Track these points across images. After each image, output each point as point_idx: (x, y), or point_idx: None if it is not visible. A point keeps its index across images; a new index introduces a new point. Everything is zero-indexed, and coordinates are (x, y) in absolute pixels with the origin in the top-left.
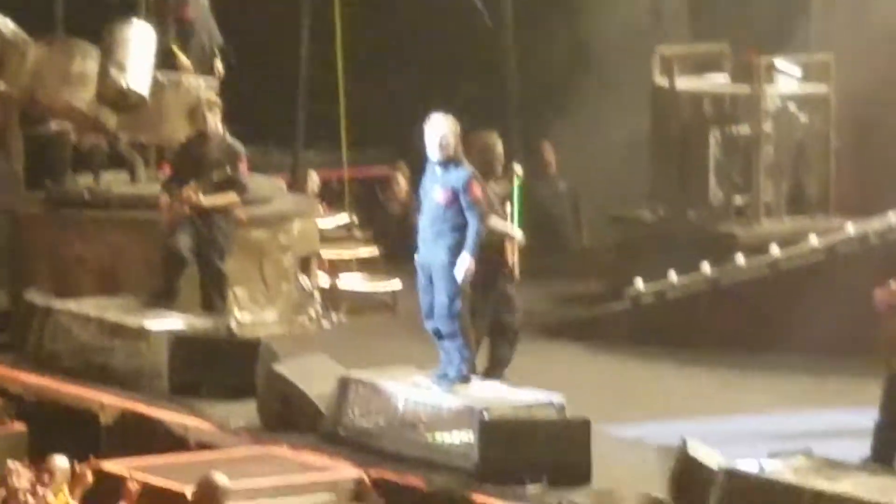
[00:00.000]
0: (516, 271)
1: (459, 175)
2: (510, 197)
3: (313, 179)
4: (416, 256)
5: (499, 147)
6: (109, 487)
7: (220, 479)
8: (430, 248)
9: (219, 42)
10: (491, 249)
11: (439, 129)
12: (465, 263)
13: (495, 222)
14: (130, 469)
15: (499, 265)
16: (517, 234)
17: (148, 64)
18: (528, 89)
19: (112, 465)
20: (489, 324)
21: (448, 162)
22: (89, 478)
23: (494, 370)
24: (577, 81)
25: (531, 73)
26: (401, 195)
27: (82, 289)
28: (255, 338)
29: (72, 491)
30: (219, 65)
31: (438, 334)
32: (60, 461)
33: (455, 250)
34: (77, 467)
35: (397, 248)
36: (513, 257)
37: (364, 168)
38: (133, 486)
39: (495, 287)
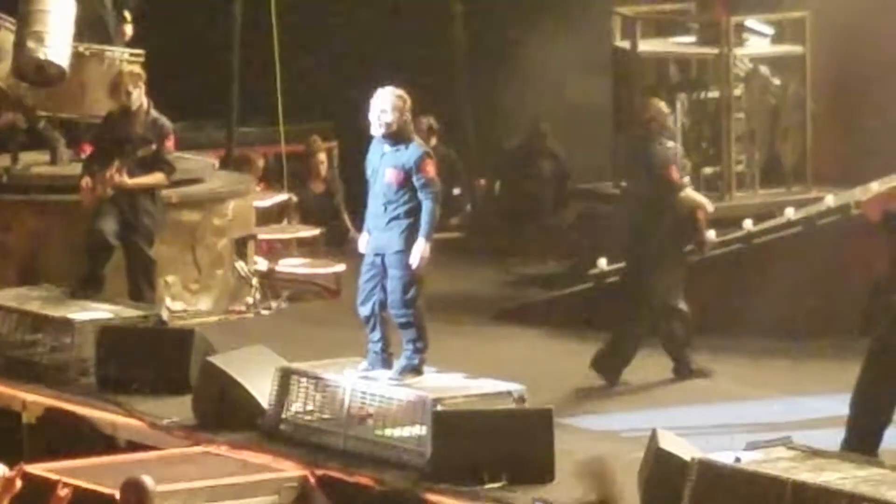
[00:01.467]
0: (706, 245)
1: (412, 153)
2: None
3: (257, 164)
4: (360, 240)
5: (667, 110)
6: (36, 492)
7: (147, 481)
8: (381, 234)
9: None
10: (685, 222)
11: (385, 104)
12: (421, 250)
13: (694, 193)
14: (59, 473)
15: (694, 239)
16: (709, 204)
17: (67, 35)
18: (477, 52)
19: (39, 469)
20: (661, 303)
21: (398, 139)
22: (17, 484)
23: (679, 351)
24: (531, 44)
25: (481, 37)
26: (322, 173)
27: (1, 278)
28: (189, 328)
29: None
30: (127, 28)
31: (369, 321)
32: None
33: (410, 236)
34: (3, 473)
35: (327, 230)
36: (704, 230)
37: (303, 144)
38: (63, 493)
39: (680, 265)
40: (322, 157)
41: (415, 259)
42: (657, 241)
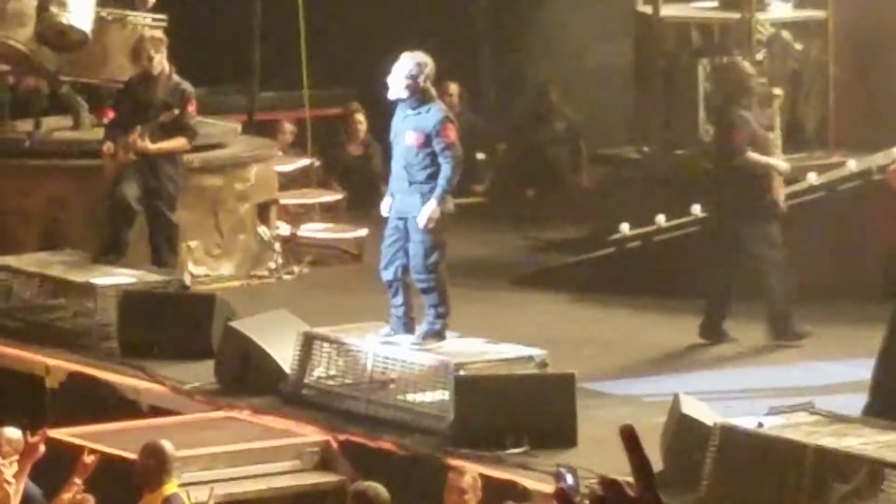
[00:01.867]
0: (782, 205)
1: (432, 117)
2: (772, 123)
3: (286, 130)
4: (383, 203)
5: (750, 71)
6: (60, 457)
7: (166, 446)
8: (404, 198)
9: None
10: (756, 183)
11: (407, 67)
12: (430, 211)
13: (756, 157)
14: (82, 438)
15: (764, 200)
16: (782, 165)
17: (90, 0)
18: (498, 16)
19: (62, 434)
20: (755, 260)
21: (419, 103)
22: (41, 450)
23: (774, 306)
24: (552, 9)
25: (502, 3)
26: (360, 136)
27: (23, 243)
28: (211, 293)
29: (22, 463)
30: None
31: (392, 286)
32: (11, 433)
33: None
34: (28, 438)
35: (360, 193)
36: (779, 191)
37: (326, 108)
38: (89, 459)
39: (763, 223)
40: (360, 118)
41: (422, 220)
42: (730, 196)
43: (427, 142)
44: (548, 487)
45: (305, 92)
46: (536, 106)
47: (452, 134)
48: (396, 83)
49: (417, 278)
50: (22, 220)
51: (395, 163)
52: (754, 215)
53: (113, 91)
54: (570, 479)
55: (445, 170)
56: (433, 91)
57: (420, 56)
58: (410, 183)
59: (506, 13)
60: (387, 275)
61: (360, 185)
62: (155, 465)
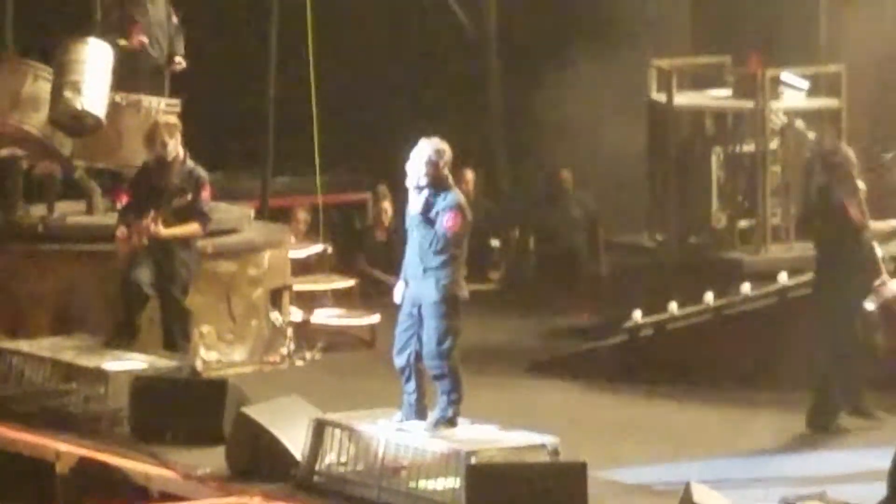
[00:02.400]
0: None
1: (449, 202)
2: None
3: (300, 219)
4: (396, 289)
5: (853, 158)
6: None
7: None
8: (418, 284)
9: (180, 51)
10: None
11: (426, 154)
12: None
13: (881, 224)
14: None
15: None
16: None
17: (104, 85)
18: (513, 103)
19: None
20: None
21: (438, 189)
22: None
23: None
24: (566, 96)
25: (516, 86)
26: (385, 221)
27: (36, 327)
28: (223, 378)
29: None
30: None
31: (405, 372)
32: None
33: (446, 287)
34: None
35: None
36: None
37: (339, 194)
38: None
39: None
40: (386, 205)
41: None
42: (837, 276)
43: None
44: None
45: (318, 177)
46: (549, 190)
47: (453, 222)
48: (416, 170)
49: (430, 364)
50: (35, 304)
51: (409, 249)
52: (853, 295)
53: (126, 174)
54: None
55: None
56: (449, 178)
57: (438, 142)
58: (425, 270)
59: (520, 100)
60: (400, 360)
61: (389, 271)
62: None
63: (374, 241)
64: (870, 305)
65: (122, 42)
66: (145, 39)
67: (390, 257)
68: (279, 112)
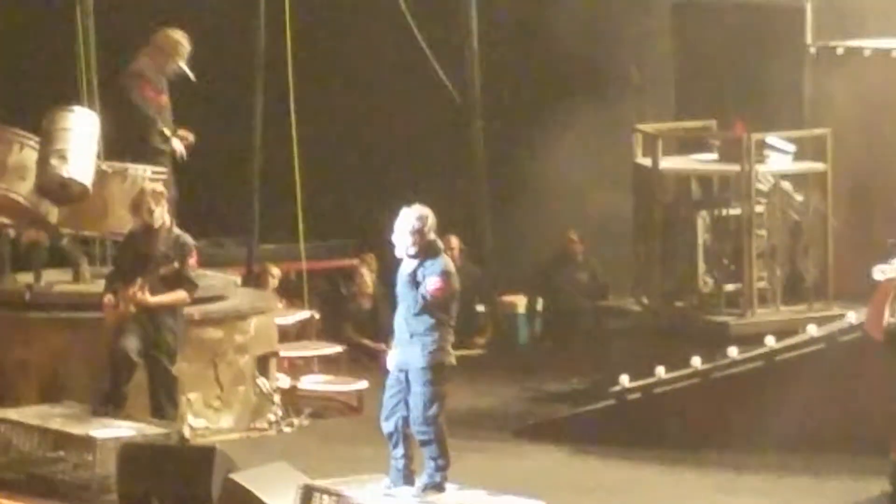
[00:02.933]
0: None
1: (436, 268)
2: None
3: (273, 274)
4: (389, 356)
5: None
6: None
7: None
8: (405, 349)
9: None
10: None
11: (410, 223)
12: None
13: None
14: None
15: None
16: None
17: (91, 153)
18: (498, 167)
19: None
20: None
21: (425, 256)
22: None
23: None
24: (551, 160)
25: (501, 151)
26: (367, 289)
27: (23, 395)
28: (210, 445)
29: None
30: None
31: (392, 437)
32: None
33: (433, 353)
34: None
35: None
36: None
37: (325, 261)
38: None
39: None
40: (365, 272)
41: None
42: None
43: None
44: None
45: (302, 244)
46: (562, 251)
47: (443, 289)
48: (402, 239)
49: (417, 430)
50: (22, 372)
51: (397, 314)
52: None
53: (113, 242)
54: None
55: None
56: (439, 244)
57: (420, 209)
58: (411, 335)
59: (505, 164)
60: (387, 426)
61: (377, 338)
62: None
63: (359, 308)
64: None
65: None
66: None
67: (377, 324)
68: (265, 180)
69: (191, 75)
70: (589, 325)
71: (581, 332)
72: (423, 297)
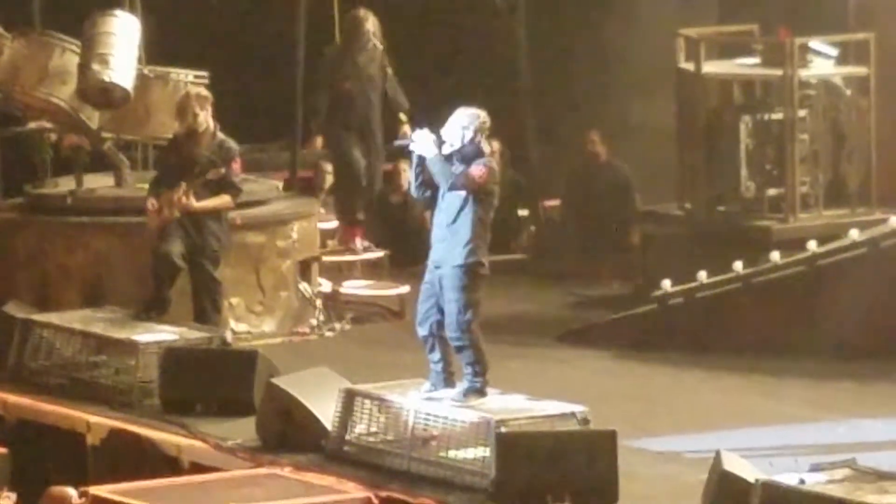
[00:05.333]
0: None
1: (479, 161)
2: None
3: (327, 171)
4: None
5: None
6: None
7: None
8: (443, 248)
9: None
10: None
11: (462, 120)
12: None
13: None
14: (124, 496)
15: None
16: None
17: (132, 58)
18: (541, 74)
19: (105, 492)
20: None
21: (471, 156)
22: None
23: None
24: (594, 66)
25: (545, 58)
26: (401, 185)
27: (66, 300)
28: (253, 350)
29: None
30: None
31: (427, 342)
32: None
33: (471, 252)
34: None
35: (399, 244)
36: None
37: None
38: None
39: None
40: (403, 166)
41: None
42: None
43: (468, 194)
44: None
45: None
46: (584, 156)
47: (484, 174)
48: (451, 133)
49: (451, 336)
50: (64, 277)
51: (438, 213)
52: None
53: (156, 147)
54: None
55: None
56: (486, 146)
57: (475, 110)
58: (452, 232)
59: (548, 71)
60: (422, 330)
61: (403, 239)
62: None
63: (389, 205)
64: None
65: None
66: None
67: (404, 222)
68: (308, 83)
69: None
70: (615, 230)
71: (610, 238)
72: (473, 182)
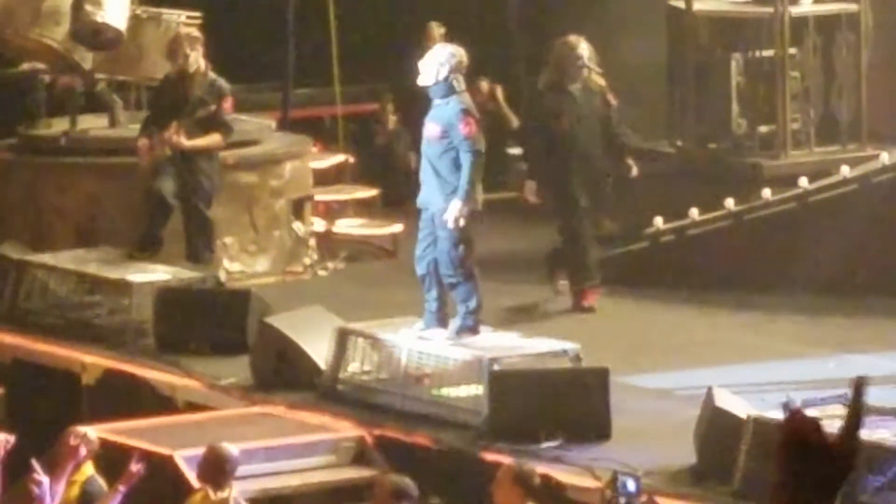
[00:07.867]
0: None
1: (451, 108)
2: None
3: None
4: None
5: None
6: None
7: (229, 449)
8: (429, 190)
9: None
10: None
11: (438, 57)
12: (456, 210)
13: None
14: (118, 435)
15: None
16: None
17: None
18: (531, 10)
19: (102, 431)
20: None
21: (444, 93)
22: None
23: None
24: (584, 3)
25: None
26: (388, 126)
27: (59, 241)
28: (246, 289)
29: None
30: None
31: (425, 280)
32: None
33: (452, 195)
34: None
35: (388, 183)
36: None
37: (358, 105)
38: (135, 469)
39: None
40: (389, 107)
41: (449, 217)
42: None
43: (444, 134)
44: (582, 481)
45: (338, 88)
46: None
47: (469, 127)
48: (426, 68)
49: (444, 273)
50: (58, 217)
51: (423, 156)
52: None
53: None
54: (630, 486)
55: (465, 164)
56: (460, 84)
57: (452, 47)
58: (434, 174)
59: (538, 8)
60: (420, 268)
61: (392, 178)
62: (218, 468)
63: (376, 146)
64: None
65: None
66: None
67: (392, 159)
68: (299, 23)
69: None
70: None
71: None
72: (463, 144)
